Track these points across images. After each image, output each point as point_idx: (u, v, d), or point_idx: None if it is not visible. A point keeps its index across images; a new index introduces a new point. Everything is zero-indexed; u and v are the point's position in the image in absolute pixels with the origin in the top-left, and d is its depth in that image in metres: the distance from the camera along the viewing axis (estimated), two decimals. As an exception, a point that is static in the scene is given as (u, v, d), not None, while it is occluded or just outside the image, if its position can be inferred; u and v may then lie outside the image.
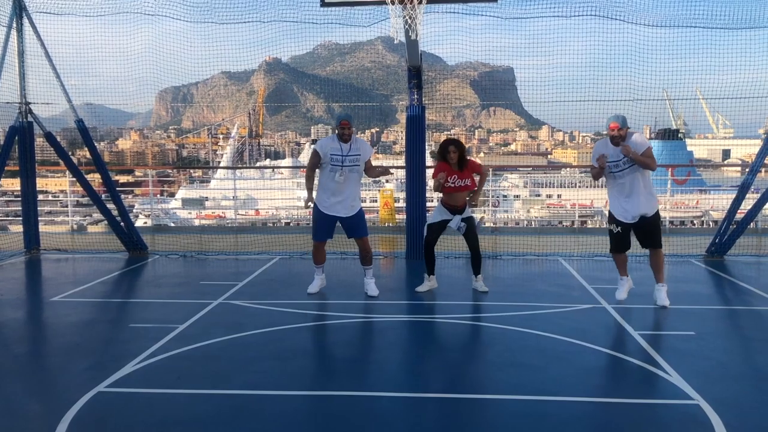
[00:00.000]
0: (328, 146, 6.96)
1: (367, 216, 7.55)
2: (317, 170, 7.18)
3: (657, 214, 6.74)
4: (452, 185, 7.15)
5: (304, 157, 76.80)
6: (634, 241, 6.89)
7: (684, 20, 9.40)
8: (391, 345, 5.70)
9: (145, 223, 27.77)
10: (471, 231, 7.34)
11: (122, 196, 11.94)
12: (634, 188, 6.57)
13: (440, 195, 7.39)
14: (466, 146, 7.57)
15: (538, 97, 11.54)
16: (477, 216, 7.60)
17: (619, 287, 7.00)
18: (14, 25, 9.64)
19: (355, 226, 7.14)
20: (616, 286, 7.45)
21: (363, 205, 7.41)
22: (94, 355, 5.32)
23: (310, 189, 7.16)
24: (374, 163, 7.61)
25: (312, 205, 7.15)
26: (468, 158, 7.35)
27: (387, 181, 36.76)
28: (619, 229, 6.76)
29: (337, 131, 6.96)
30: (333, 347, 5.67)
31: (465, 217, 7.31)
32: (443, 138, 8.11)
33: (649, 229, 6.70)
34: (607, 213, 7.06)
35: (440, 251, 9.67)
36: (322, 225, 7.12)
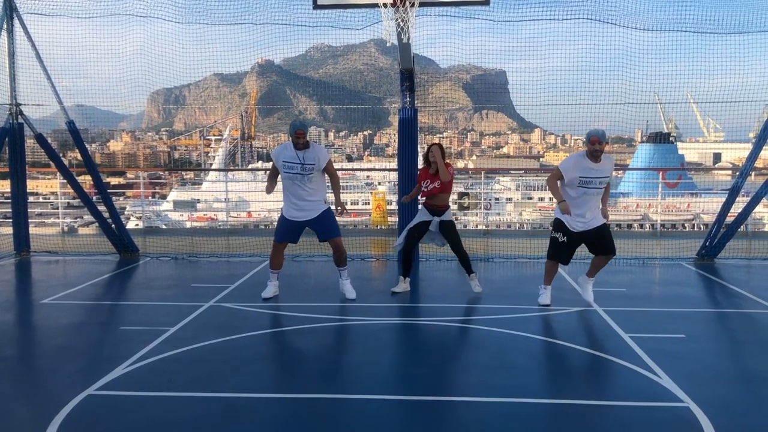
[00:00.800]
0: (281, 154, 6.95)
1: (359, 218, 7.54)
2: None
3: (606, 224, 6.76)
4: (425, 189, 7.36)
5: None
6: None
7: (675, 24, 9.47)
8: (383, 348, 5.70)
9: (137, 225, 27.71)
10: (450, 235, 7.44)
11: (113, 198, 11.90)
12: (591, 205, 6.62)
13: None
14: (459, 149, 7.60)
15: (530, 100, 11.55)
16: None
17: (542, 294, 7.02)
18: (5, 26, 9.59)
19: (324, 227, 7.09)
20: (607, 289, 7.49)
21: (355, 208, 7.42)
22: (84, 358, 5.29)
23: (269, 191, 7.22)
24: (368, 165, 7.60)
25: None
26: (446, 163, 7.38)
27: (379, 183, 36.76)
28: (564, 238, 6.74)
29: (291, 139, 6.92)
30: (325, 350, 5.66)
31: (444, 220, 7.41)
32: (434, 141, 8.16)
33: (603, 239, 6.68)
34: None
35: (432, 254, 9.71)
36: (284, 228, 7.13)
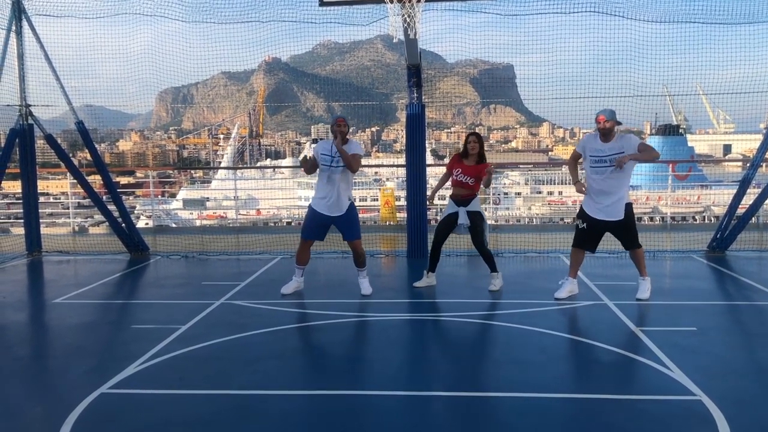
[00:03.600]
0: (320, 148, 7.07)
1: (368, 215, 7.56)
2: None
3: (628, 216, 6.68)
4: (455, 178, 7.27)
5: (305, 157, 76.58)
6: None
7: (683, 15, 9.40)
8: (393, 343, 5.70)
9: (147, 224, 27.79)
10: (475, 227, 7.28)
11: (123, 197, 11.95)
12: (610, 189, 6.56)
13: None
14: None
15: (538, 94, 11.50)
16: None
17: (562, 286, 7.02)
18: (14, 27, 9.65)
19: (346, 226, 7.16)
20: (618, 283, 7.47)
21: (364, 204, 7.44)
22: (96, 357, 5.33)
23: (308, 172, 7.32)
24: (376, 161, 7.62)
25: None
26: (484, 163, 7.28)
27: (388, 180, 36.75)
28: (584, 225, 6.77)
29: (333, 129, 6.98)
30: (335, 346, 5.67)
31: (471, 211, 7.26)
32: (443, 135, 8.16)
33: (623, 232, 6.72)
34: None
35: (442, 249, 9.69)
36: (311, 223, 7.17)
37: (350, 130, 7.07)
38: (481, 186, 7.31)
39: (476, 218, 7.27)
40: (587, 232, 6.79)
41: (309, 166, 7.15)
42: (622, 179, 6.57)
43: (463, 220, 7.23)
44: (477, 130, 8.53)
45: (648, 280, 6.97)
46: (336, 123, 6.95)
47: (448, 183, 7.49)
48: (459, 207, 7.28)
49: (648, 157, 6.48)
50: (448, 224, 7.37)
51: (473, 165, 7.25)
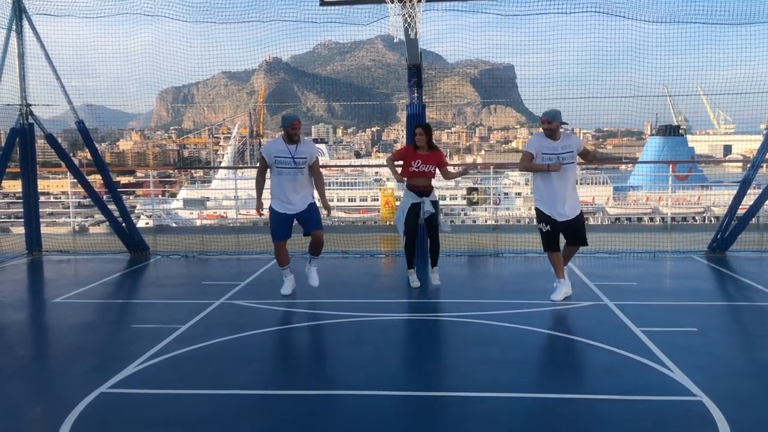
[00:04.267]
0: (273, 148, 7.00)
1: (369, 215, 7.56)
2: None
3: (581, 213, 6.93)
4: (415, 169, 7.33)
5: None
6: (629, 238, 6.89)
7: (684, 16, 9.39)
8: (393, 344, 5.70)
9: (147, 223, 27.79)
10: (434, 218, 7.45)
11: (123, 196, 11.95)
12: (566, 187, 6.73)
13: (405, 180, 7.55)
14: (468, 144, 7.60)
15: (539, 95, 11.50)
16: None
17: (557, 289, 7.00)
18: (14, 27, 9.64)
19: (308, 218, 7.10)
20: (618, 283, 7.47)
21: (364, 204, 7.45)
22: (96, 357, 5.32)
23: (259, 194, 7.23)
24: (376, 161, 7.63)
25: (264, 211, 7.18)
26: (438, 149, 7.50)
27: (388, 179, 36.72)
28: (548, 227, 6.82)
29: (286, 132, 6.93)
30: (335, 346, 5.67)
31: (432, 200, 7.43)
32: (444, 136, 8.18)
33: (578, 230, 6.84)
34: (607, 209, 7.08)
35: (442, 249, 9.70)
36: (279, 225, 7.12)
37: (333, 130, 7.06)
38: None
39: (436, 207, 7.47)
40: (552, 233, 6.86)
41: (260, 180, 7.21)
42: (574, 176, 6.87)
43: (429, 207, 7.37)
44: (479, 130, 8.56)
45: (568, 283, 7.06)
46: (292, 126, 6.89)
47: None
48: (422, 197, 7.39)
49: (593, 153, 7.01)
50: (417, 216, 7.47)
51: (429, 153, 7.39)
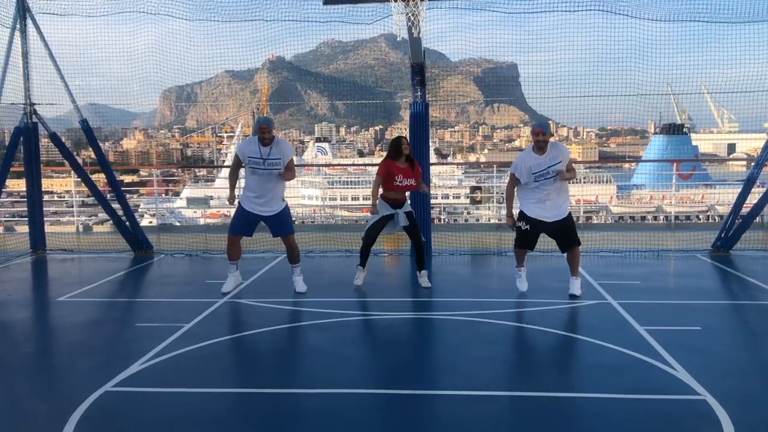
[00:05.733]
0: (246, 149, 7.04)
1: (371, 214, 7.55)
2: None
3: (570, 214, 6.95)
4: (399, 184, 7.29)
5: (308, 155, 76.85)
6: (627, 237, 6.87)
7: (688, 14, 9.37)
8: (396, 342, 5.71)
9: (151, 222, 27.86)
10: (413, 225, 7.43)
11: (127, 195, 11.96)
12: (551, 196, 6.76)
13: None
14: (471, 142, 7.59)
15: (542, 93, 11.50)
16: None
17: (520, 279, 7.17)
18: (18, 26, 9.66)
19: (278, 224, 7.20)
20: (622, 282, 7.46)
21: (366, 203, 7.46)
22: (100, 355, 5.34)
23: (231, 187, 7.35)
24: (379, 160, 7.62)
25: (236, 203, 7.28)
26: (416, 162, 7.49)
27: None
28: (527, 226, 6.88)
29: (259, 135, 6.98)
30: (340, 345, 5.67)
31: (406, 211, 7.41)
32: (447, 134, 8.16)
33: (566, 231, 6.87)
34: (610, 208, 7.09)
35: (444, 248, 9.72)
36: (240, 220, 7.19)
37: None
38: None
39: (412, 217, 7.45)
40: (530, 234, 6.91)
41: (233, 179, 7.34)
42: (564, 183, 6.83)
43: (402, 221, 7.35)
44: (483, 129, 8.59)
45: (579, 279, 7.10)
46: (260, 130, 6.93)
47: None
48: (395, 209, 7.36)
49: (572, 177, 6.86)
50: (383, 226, 7.46)
51: (409, 167, 7.35)
